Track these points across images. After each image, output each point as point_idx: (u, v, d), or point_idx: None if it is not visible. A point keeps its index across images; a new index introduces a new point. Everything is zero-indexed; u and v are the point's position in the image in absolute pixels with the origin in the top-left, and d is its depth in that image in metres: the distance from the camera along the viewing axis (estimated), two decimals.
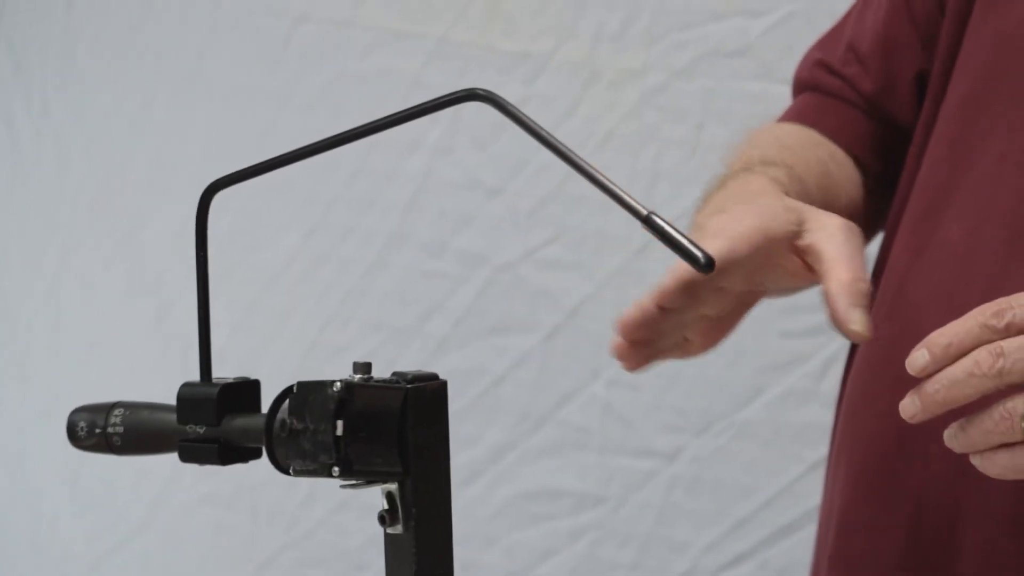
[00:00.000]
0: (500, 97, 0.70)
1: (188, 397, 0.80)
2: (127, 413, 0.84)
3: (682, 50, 1.78)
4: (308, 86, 1.98)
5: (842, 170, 1.12)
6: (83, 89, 2.17)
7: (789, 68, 1.23)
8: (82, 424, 0.85)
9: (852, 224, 0.86)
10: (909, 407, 0.82)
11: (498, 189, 1.87)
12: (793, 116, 1.16)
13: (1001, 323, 0.79)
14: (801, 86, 1.20)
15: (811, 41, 1.22)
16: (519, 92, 1.85)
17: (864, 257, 0.85)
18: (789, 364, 1.75)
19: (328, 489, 1.96)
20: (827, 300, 0.82)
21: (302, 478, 0.74)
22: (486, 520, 1.89)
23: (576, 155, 0.70)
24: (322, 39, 1.97)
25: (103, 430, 0.84)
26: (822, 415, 1.71)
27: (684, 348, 0.83)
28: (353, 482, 0.74)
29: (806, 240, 0.84)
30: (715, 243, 0.78)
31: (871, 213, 1.14)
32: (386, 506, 0.74)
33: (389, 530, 0.74)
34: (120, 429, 0.84)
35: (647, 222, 0.67)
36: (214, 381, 0.80)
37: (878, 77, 1.13)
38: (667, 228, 0.66)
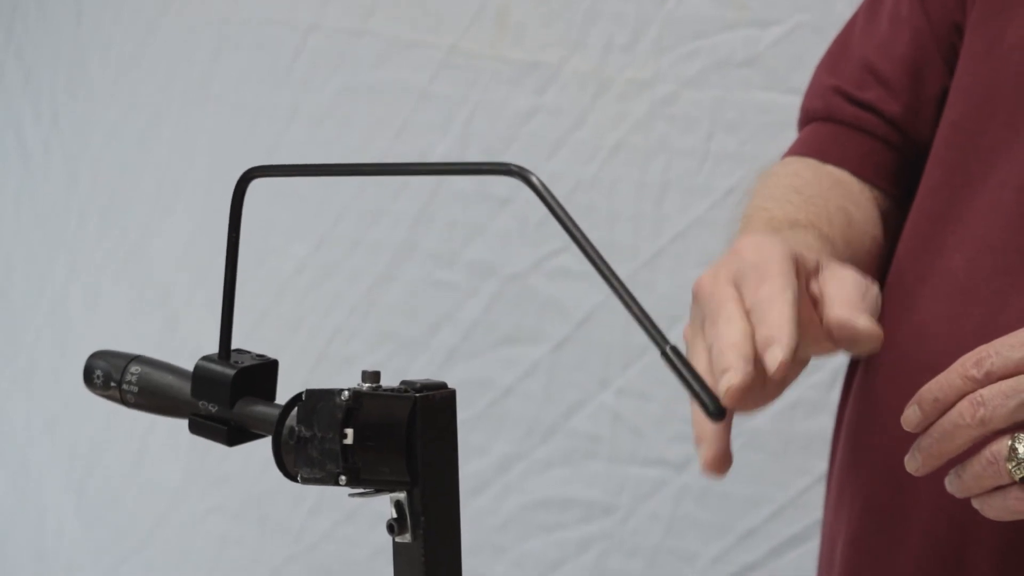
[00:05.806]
0: (535, 175, 0.70)
1: (204, 375, 0.80)
2: (143, 372, 0.85)
3: (692, 60, 1.77)
4: (318, 96, 1.98)
5: (861, 211, 1.09)
6: (92, 101, 2.18)
7: (798, 78, 1.21)
8: (99, 372, 0.86)
9: (867, 281, 0.86)
10: (911, 463, 0.85)
11: (507, 200, 1.87)
12: (804, 149, 1.13)
13: (981, 372, 0.81)
14: (813, 116, 1.16)
15: (820, 51, 1.20)
16: (529, 102, 1.85)
17: (874, 304, 0.85)
18: (798, 375, 1.74)
19: (336, 499, 1.96)
20: (829, 321, 0.82)
21: (310, 489, 0.74)
22: (495, 530, 1.89)
23: (605, 264, 0.70)
24: (332, 50, 1.97)
25: (118, 385, 0.85)
26: (831, 426, 1.71)
27: None
28: (361, 491, 0.74)
29: (820, 281, 0.84)
30: (749, 237, 0.79)
31: (894, 240, 1.12)
32: (395, 515, 0.74)
33: (398, 539, 0.74)
34: (135, 388, 0.84)
35: (667, 356, 0.67)
36: (232, 358, 0.80)
37: (904, 99, 1.10)
38: (683, 367, 0.66)
